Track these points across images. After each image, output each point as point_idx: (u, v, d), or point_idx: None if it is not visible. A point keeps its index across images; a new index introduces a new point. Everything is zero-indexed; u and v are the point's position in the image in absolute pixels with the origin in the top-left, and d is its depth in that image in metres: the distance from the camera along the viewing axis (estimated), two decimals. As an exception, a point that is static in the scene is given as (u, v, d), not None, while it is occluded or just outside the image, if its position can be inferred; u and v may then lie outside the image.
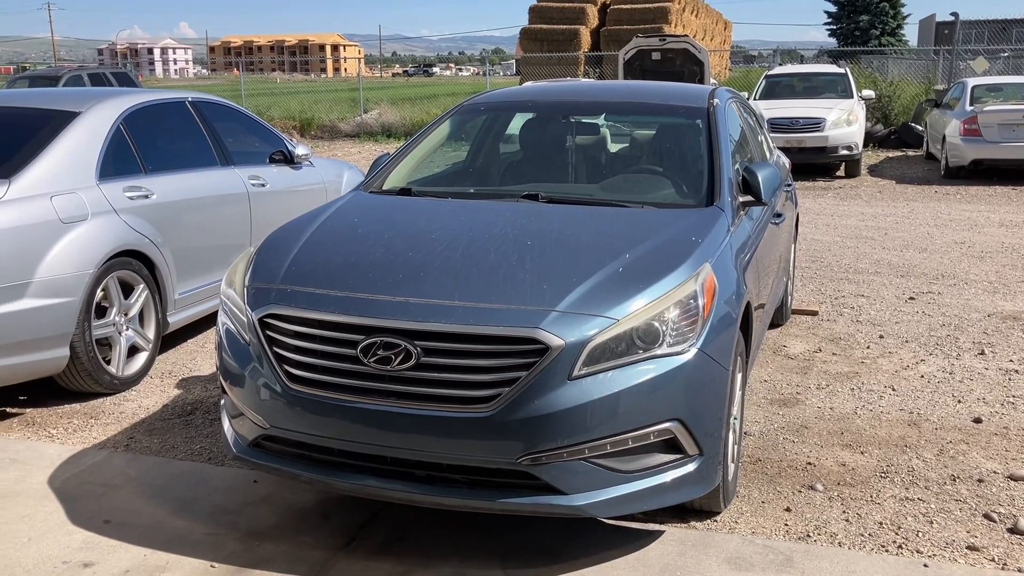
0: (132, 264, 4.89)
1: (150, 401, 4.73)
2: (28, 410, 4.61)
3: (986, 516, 3.43)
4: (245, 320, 3.18)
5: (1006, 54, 21.86)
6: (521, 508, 2.88)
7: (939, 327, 5.95)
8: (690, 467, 3.01)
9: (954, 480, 3.73)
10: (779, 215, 4.79)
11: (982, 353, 5.40)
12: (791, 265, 6.03)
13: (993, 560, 3.13)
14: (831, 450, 4.03)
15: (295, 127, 22.60)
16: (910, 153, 16.98)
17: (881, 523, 3.38)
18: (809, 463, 3.90)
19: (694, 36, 29.48)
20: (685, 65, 16.54)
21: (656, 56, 16.74)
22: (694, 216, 3.65)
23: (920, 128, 16.99)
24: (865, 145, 15.27)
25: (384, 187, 4.29)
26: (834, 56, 29.32)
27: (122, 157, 5.10)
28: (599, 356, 2.85)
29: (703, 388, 3.01)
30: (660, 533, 3.28)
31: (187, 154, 5.74)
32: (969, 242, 8.88)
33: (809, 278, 7.41)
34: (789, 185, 5.82)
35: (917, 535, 3.29)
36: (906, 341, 5.66)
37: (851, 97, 14.75)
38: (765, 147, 5.52)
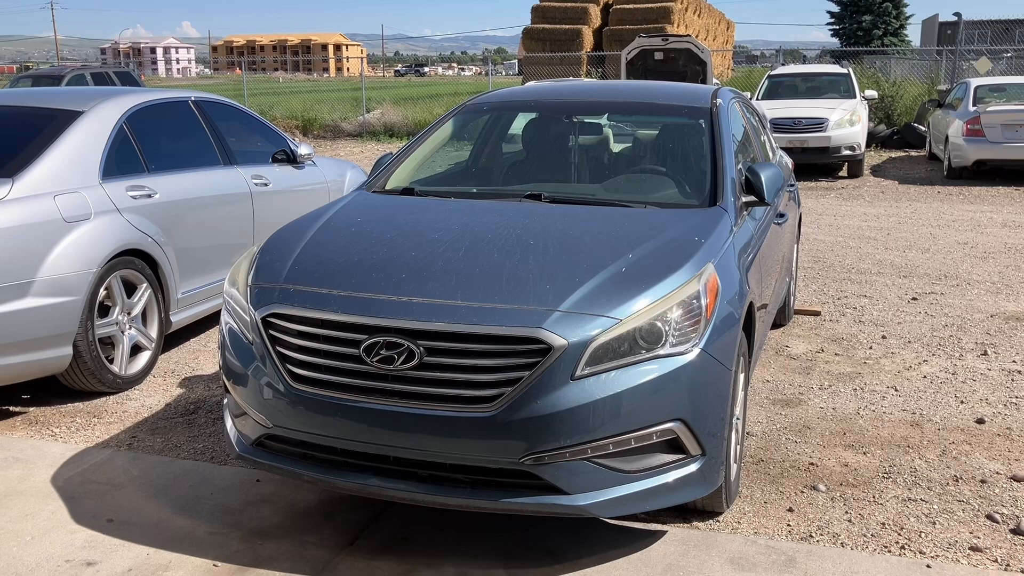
0: (135, 263, 4.90)
1: (153, 400, 4.74)
2: (31, 409, 4.62)
3: (989, 517, 3.43)
4: (248, 319, 3.18)
5: (1009, 54, 21.84)
6: (524, 508, 2.89)
7: (942, 328, 5.95)
8: (692, 467, 3.01)
9: (957, 481, 3.73)
10: (782, 215, 4.79)
11: (985, 354, 5.40)
12: (794, 265, 6.03)
13: (996, 561, 3.13)
14: (833, 450, 4.03)
15: (298, 127, 22.61)
16: (913, 153, 16.97)
17: (884, 524, 3.38)
18: (811, 463, 3.90)
19: (697, 36, 29.48)
20: (688, 65, 16.54)
21: (659, 56, 16.74)
22: (697, 216, 3.65)
23: (923, 128, 16.98)
24: (868, 145, 15.27)
25: (387, 187, 4.30)
26: (837, 56, 29.30)
27: (125, 156, 5.11)
28: (602, 356, 2.85)
29: (706, 388, 3.01)
30: (663, 533, 3.28)
31: (190, 153, 5.75)
32: (972, 243, 8.87)
33: (812, 278, 7.41)
34: (792, 185, 5.82)
35: (920, 536, 3.29)
36: (909, 342, 5.66)
37: (854, 97, 14.74)
38: (768, 147, 5.51)
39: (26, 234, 4.31)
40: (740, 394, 3.45)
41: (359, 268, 3.23)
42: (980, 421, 4.36)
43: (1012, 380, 4.95)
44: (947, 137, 13.63)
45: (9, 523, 3.41)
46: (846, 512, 3.47)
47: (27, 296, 4.28)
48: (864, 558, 3.14)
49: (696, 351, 2.96)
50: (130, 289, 4.92)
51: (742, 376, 3.46)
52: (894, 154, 16.99)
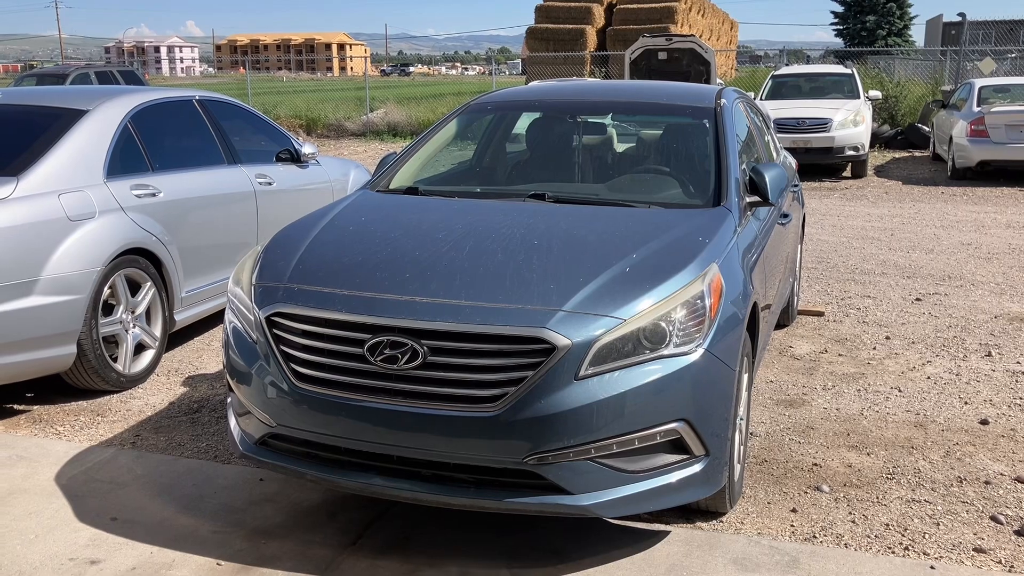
0: (139, 262, 4.91)
1: (157, 399, 4.74)
2: (35, 407, 4.63)
3: (993, 518, 3.42)
4: (252, 318, 3.19)
5: (1014, 55, 21.81)
6: (527, 508, 2.89)
7: (946, 328, 5.94)
8: (696, 468, 3.01)
9: (961, 482, 3.72)
10: (786, 215, 4.79)
11: (989, 355, 5.39)
12: (797, 266, 6.03)
13: (1000, 562, 3.13)
14: (837, 451, 4.03)
15: (301, 126, 22.63)
16: (916, 154, 16.95)
17: (887, 524, 3.38)
18: (815, 464, 3.89)
19: (700, 36, 29.45)
20: (691, 65, 16.52)
21: (662, 56, 16.73)
22: (701, 216, 3.65)
23: (927, 129, 16.96)
24: (871, 146, 15.25)
25: (391, 186, 4.30)
26: (841, 56, 29.26)
27: (129, 155, 5.12)
28: (606, 356, 2.85)
29: (709, 389, 3.01)
30: (666, 533, 3.28)
31: (194, 152, 5.75)
32: (976, 243, 8.86)
33: (815, 279, 7.40)
34: (796, 186, 5.81)
35: (924, 537, 3.29)
36: (912, 342, 5.65)
37: (858, 98, 14.73)
38: (772, 147, 5.51)
39: (31, 232, 4.32)
40: (744, 394, 3.45)
41: (363, 267, 3.23)
42: (984, 422, 4.35)
43: (1016, 381, 4.94)
44: (951, 138, 13.61)
45: (13, 521, 3.41)
46: (850, 513, 3.46)
47: (31, 294, 4.29)
48: (868, 559, 3.14)
49: (700, 351, 2.96)
50: (134, 288, 4.93)
51: (746, 376, 3.45)
52: (898, 155, 16.97)
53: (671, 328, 2.93)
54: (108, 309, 4.75)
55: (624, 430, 2.85)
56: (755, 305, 3.49)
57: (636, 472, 2.91)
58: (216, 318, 5.82)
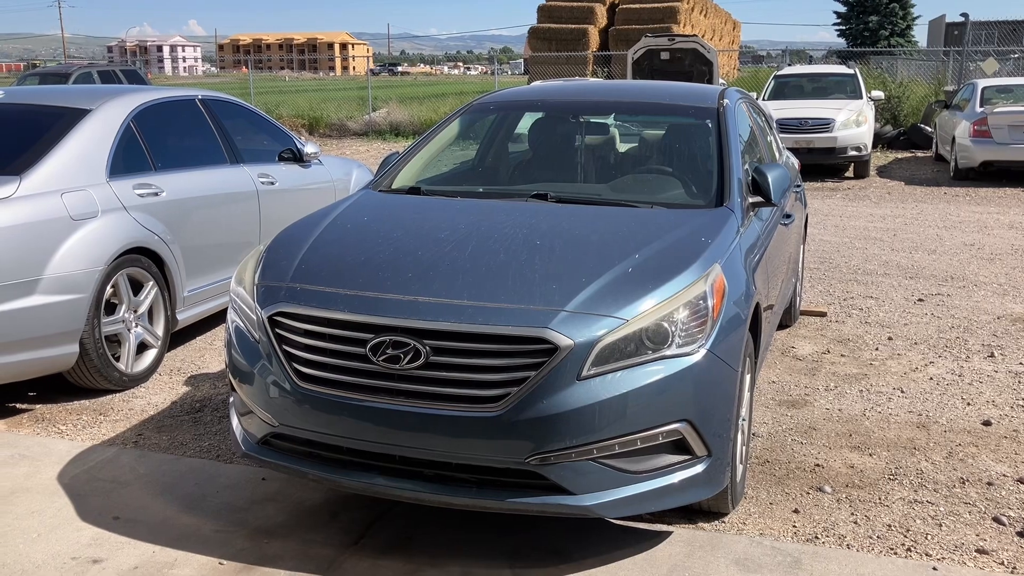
0: (142, 261, 4.91)
1: (159, 398, 4.75)
2: (38, 406, 4.63)
3: (996, 519, 3.42)
4: (255, 318, 3.19)
5: (1016, 55, 21.78)
6: (529, 508, 2.89)
7: (948, 329, 5.94)
8: (698, 468, 3.01)
9: (963, 483, 3.72)
10: (788, 216, 4.78)
11: (991, 356, 5.38)
12: (800, 266, 6.02)
13: (1003, 564, 3.12)
14: (839, 452, 4.02)
15: (304, 125, 22.64)
16: (919, 154, 16.94)
17: (890, 525, 3.37)
18: (817, 465, 3.89)
19: (703, 36, 29.43)
20: (694, 65, 16.50)
21: (665, 56, 16.71)
22: (704, 216, 3.65)
23: (929, 129, 16.95)
24: (874, 146, 15.23)
25: (393, 186, 4.30)
26: (843, 57, 29.22)
27: (132, 154, 5.12)
28: (608, 356, 2.85)
29: (712, 389, 3.01)
30: (668, 534, 3.28)
31: (197, 152, 5.76)
32: (978, 244, 8.85)
33: (818, 279, 7.39)
34: (798, 186, 5.81)
35: (926, 538, 3.28)
36: (915, 343, 5.64)
37: (860, 98, 14.71)
38: (774, 148, 5.50)
39: (33, 232, 4.32)
40: (746, 395, 3.44)
41: (365, 267, 3.23)
42: (987, 423, 4.35)
43: (1019, 382, 4.93)
44: (954, 138, 13.60)
45: (16, 520, 3.42)
46: (852, 514, 3.46)
47: (34, 293, 4.29)
48: (870, 560, 3.13)
49: (702, 352, 2.95)
50: (136, 287, 4.93)
51: (748, 377, 3.45)
52: (900, 155, 16.95)
53: (673, 328, 2.93)
54: (110, 308, 4.75)
55: (626, 430, 2.85)
56: (757, 305, 3.49)
57: (638, 472, 2.91)
58: (218, 317, 5.83)
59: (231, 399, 3.44)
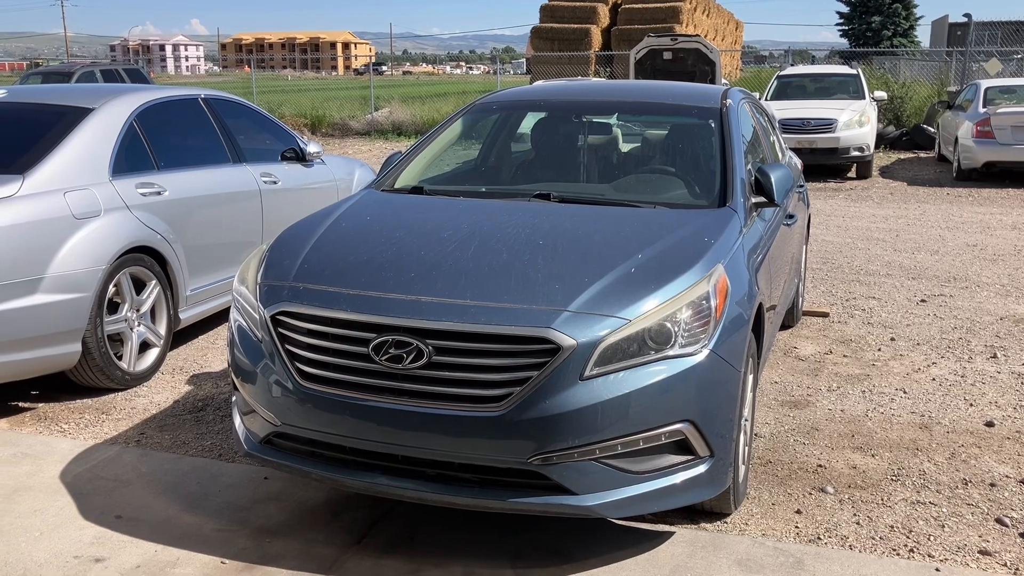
0: (144, 260, 4.91)
1: (161, 397, 4.75)
2: (40, 405, 4.63)
3: (998, 521, 3.41)
4: (257, 317, 3.19)
5: (1020, 56, 21.73)
6: (532, 508, 2.88)
7: (951, 330, 5.93)
8: (701, 468, 3.01)
9: (966, 484, 3.72)
10: (791, 216, 4.78)
11: (994, 356, 5.37)
12: (802, 266, 6.02)
13: (1005, 565, 3.12)
14: (842, 452, 4.02)
15: (306, 125, 22.65)
16: (922, 155, 16.92)
17: (892, 526, 3.37)
18: (820, 465, 3.89)
19: (705, 36, 29.41)
20: (697, 65, 16.50)
21: (667, 56, 16.70)
22: (706, 217, 3.65)
23: (932, 130, 16.92)
24: (877, 146, 15.23)
25: (396, 185, 4.30)
26: (846, 57, 29.20)
27: (135, 153, 5.12)
28: (611, 356, 2.85)
29: (714, 389, 3.01)
30: (670, 534, 3.28)
31: (199, 151, 5.76)
32: (981, 245, 8.84)
33: (820, 280, 7.39)
34: (801, 186, 5.80)
35: (928, 539, 3.28)
36: (917, 344, 5.64)
37: (863, 98, 14.70)
38: (777, 148, 5.50)
39: (36, 230, 4.33)
40: (749, 395, 3.44)
41: (368, 267, 3.23)
42: (989, 424, 4.34)
43: (1022, 383, 4.92)
44: (956, 139, 13.59)
45: (18, 519, 3.42)
46: (854, 514, 3.46)
47: (37, 292, 4.29)
48: (872, 561, 3.13)
49: (705, 352, 2.95)
50: (139, 286, 4.94)
51: (751, 377, 3.45)
52: (903, 155, 16.94)
53: (676, 329, 2.93)
54: (113, 307, 4.75)
55: (629, 431, 2.85)
56: (760, 306, 3.49)
57: (641, 473, 2.91)
58: (221, 316, 5.83)
59: (233, 398, 3.44)
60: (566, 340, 2.81)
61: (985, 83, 14.56)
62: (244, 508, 3.50)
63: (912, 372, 5.11)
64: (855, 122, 13.61)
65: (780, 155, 5.47)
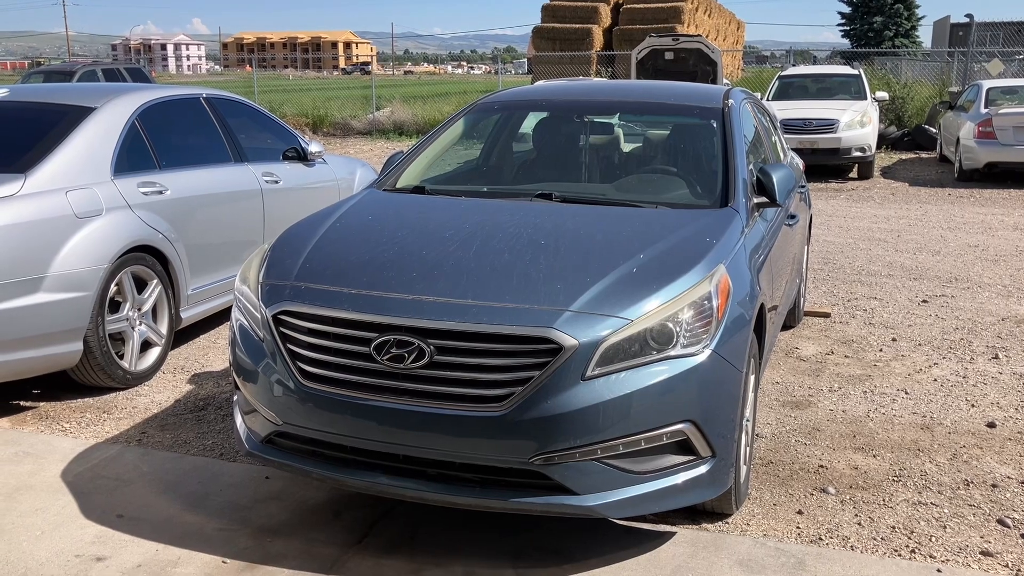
0: (146, 259, 4.91)
1: (162, 396, 4.75)
2: (41, 404, 4.63)
3: (1000, 522, 3.41)
4: (259, 317, 3.19)
5: (1021, 56, 21.72)
6: (533, 508, 2.88)
7: (952, 331, 5.92)
8: (702, 469, 3.01)
9: (967, 485, 3.71)
10: (793, 216, 4.78)
11: (996, 357, 5.37)
12: (804, 267, 6.01)
13: (1007, 566, 3.11)
14: (843, 453, 4.02)
15: (308, 124, 22.66)
16: (923, 155, 16.91)
17: (894, 527, 3.37)
18: (821, 466, 3.88)
19: (707, 36, 29.40)
20: (698, 65, 16.50)
21: (669, 56, 16.70)
22: (708, 217, 3.64)
23: (934, 130, 16.92)
24: (878, 147, 15.22)
25: (397, 185, 4.30)
26: (848, 57, 29.18)
27: (137, 153, 5.12)
28: (612, 356, 2.84)
29: (716, 390, 3.01)
30: (672, 534, 3.28)
31: (201, 150, 5.76)
32: (983, 245, 8.83)
33: (822, 280, 7.38)
34: (803, 187, 5.80)
35: (930, 540, 3.28)
36: (919, 344, 5.63)
37: (865, 99, 14.69)
38: (779, 148, 5.50)
39: (38, 230, 4.33)
40: (750, 396, 3.44)
41: (370, 266, 3.23)
42: (991, 425, 4.34)
43: (1023, 384, 4.92)
44: (958, 139, 13.58)
45: (20, 517, 3.42)
46: (856, 515, 3.46)
47: (38, 291, 4.29)
48: (874, 561, 3.13)
49: (707, 352, 2.95)
50: (141, 285, 4.94)
51: (752, 378, 3.45)
52: (905, 156, 16.93)
53: (678, 329, 2.93)
54: (114, 306, 4.75)
55: (630, 431, 2.85)
56: (762, 306, 3.49)
57: (642, 473, 2.90)
58: (222, 316, 5.83)
59: (235, 397, 3.44)
60: (568, 340, 2.81)
61: (987, 84, 14.56)
62: (245, 507, 3.50)
63: (914, 373, 5.11)
64: (857, 122, 13.60)
65: (782, 155, 5.46)
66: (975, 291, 6.99)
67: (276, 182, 6.18)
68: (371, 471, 2.99)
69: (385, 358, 2.89)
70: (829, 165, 13.94)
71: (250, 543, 3.24)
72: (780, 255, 4.26)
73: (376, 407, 2.90)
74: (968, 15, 22.00)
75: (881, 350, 5.53)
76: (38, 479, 3.75)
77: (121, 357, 4.79)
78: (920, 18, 47.44)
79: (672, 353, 2.90)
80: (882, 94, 15.97)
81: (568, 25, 30.62)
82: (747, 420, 3.40)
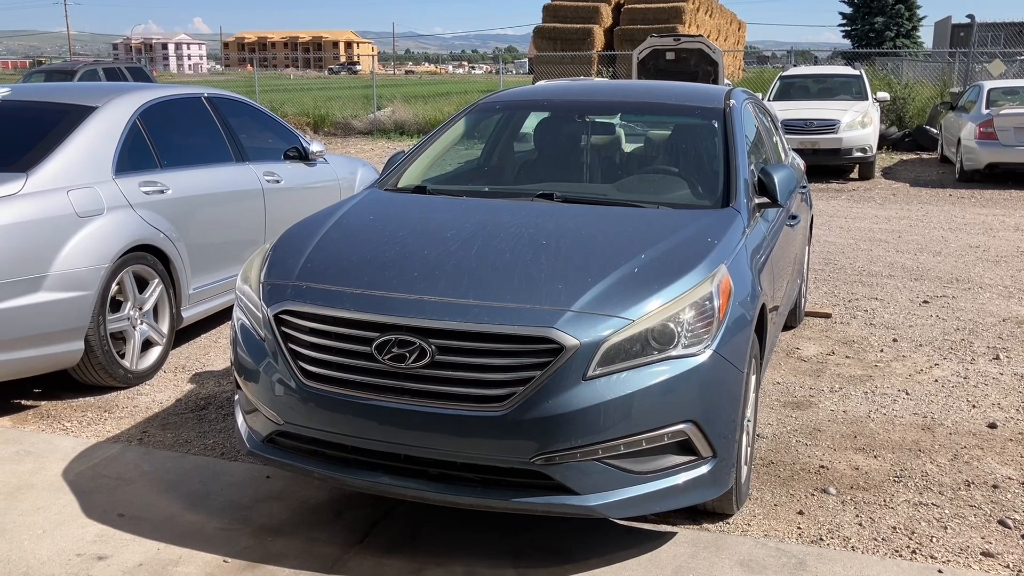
0: (147, 259, 4.91)
1: (163, 395, 4.75)
2: (43, 403, 4.64)
3: (1001, 523, 3.41)
4: (260, 316, 3.19)
5: (1023, 57, 21.71)
6: (534, 508, 2.88)
7: (953, 331, 5.92)
8: (703, 469, 3.01)
9: (968, 486, 3.71)
10: (794, 217, 4.78)
11: (997, 358, 5.37)
12: (805, 267, 6.01)
13: (1008, 567, 3.11)
14: (844, 453, 4.02)
15: (309, 124, 22.66)
16: (924, 156, 16.91)
17: (895, 528, 3.37)
18: (822, 466, 3.88)
19: (708, 36, 29.41)
20: (699, 65, 16.51)
21: (670, 56, 16.72)
22: (710, 217, 3.64)
23: (935, 131, 16.91)
24: (879, 147, 15.21)
25: (399, 185, 4.30)
26: (849, 58, 29.17)
27: (138, 152, 5.12)
28: (614, 356, 2.84)
29: (717, 390, 3.01)
30: (672, 534, 3.28)
31: (202, 150, 5.76)
32: (984, 246, 8.83)
33: (823, 280, 7.38)
34: (804, 187, 5.80)
35: (931, 540, 3.28)
36: (920, 345, 5.63)
37: (866, 99, 14.69)
38: (780, 148, 5.50)
39: (39, 229, 4.33)
40: (751, 396, 3.44)
41: (371, 266, 3.23)
42: (992, 426, 4.34)
43: (1024, 385, 4.92)
44: (959, 140, 13.57)
45: (21, 516, 3.42)
46: (857, 515, 3.46)
47: (40, 290, 4.29)
48: (875, 562, 3.13)
49: (708, 352, 2.95)
50: (142, 284, 4.94)
51: (753, 378, 3.45)
52: (906, 156, 16.93)
53: (679, 329, 2.93)
54: (116, 305, 4.76)
55: (632, 431, 2.85)
56: (763, 306, 3.49)
57: (643, 473, 2.91)
58: (223, 315, 5.83)
59: (236, 397, 3.44)
60: (569, 340, 2.81)
61: (988, 84, 14.55)
62: (246, 507, 3.51)
63: (914, 373, 5.11)
64: (858, 123, 13.60)
65: (783, 156, 5.47)
66: (976, 292, 6.99)
67: (277, 182, 6.18)
68: (372, 471, 3.00)
69: (387, 358, 2.89)
70: (830, 166, 13.94)
71: (251, 542, 3.24)
72: (781, 255, 4.26)
73: (377, 407, 2.90)
74: (969, 16, 22.00)
75: (882, 351, 5.53)
76: (39, 478, 3.75)
77: (122, 356, 4.79)
78: (921, 19, 47.43)
79: (673, 353, 2.90)
80: (883, 95, 15.97)
81: (569, 25, 30.63)
82: (748, 420, 3.40)
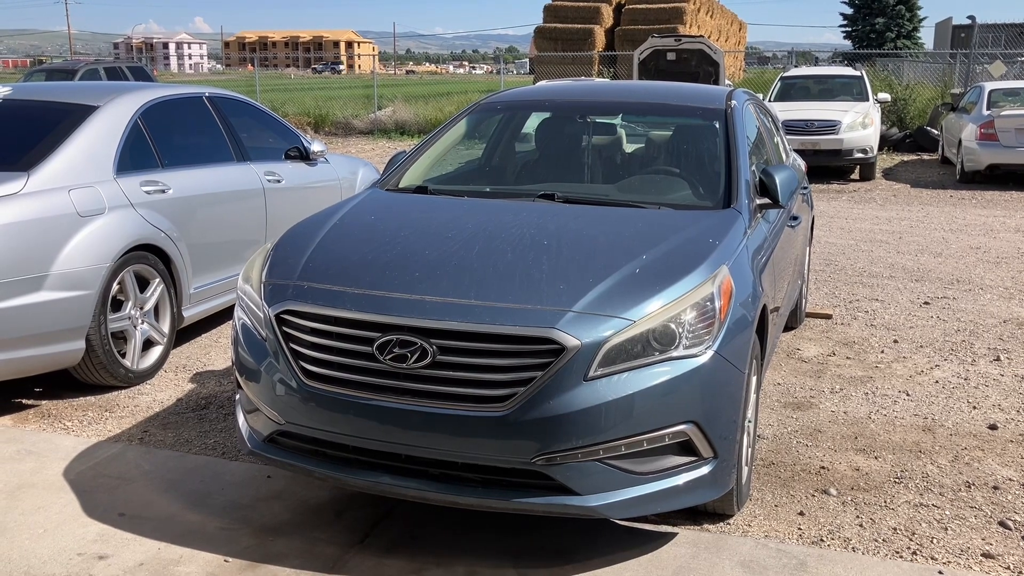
0: (148, 258, 4.92)
1: (164, 395, 4.75)
2: (44, 402, 4.64)
3: (1001, 524, 3.41)
4: (262, 316, 3.19)
5: None
6: (535, 508, 2.89)
7: (954, 332, 5.92)
8: (704, 470, 3.01)
9: (969, 487, 3.71)
10: (795, 218, 4.78)
11: (997, 359, 5.37)
12: (806, 268, 6.01)
13: (1009, 568, 3.11)
14: (845, 454, 4.02)
15: (309, 123, 22.66)
16: (925, 157, 16.91)
17: (895, 529, 3.37)
18: (823, 467, 3.88)
19: (709, 37, 29.41)
20: (700, 66, 16.51)
21: (671, 56, 16.72)
22: (711, 218, 3.64)
23: (936, 132, 16.92)
24: (880, 148, 15.21)
25: (400, 185, 4.30)
26: (850, 58, 29.17)
27: (139, 151, 5.12)
28: (615, 357, 2.85)
29: (718, 391, 3.01)
30: (673, 535, 3.28)
31: (204, 149, 5.76)
32: (985, 247, 8.83)
33: (823, 281, 7.38)
34: (805, 188, 5.80)
35: (931, 542, 3.28)
36: (921, 346, 5.63)
37: (866, 100, 14.69)
38: (781, 149, 5.50)
39: (41, 228, 4.33)
40: (752, 397, 3.44)
41: (372, 266, 3.23)
42: (993, 427, 4.34)
43: (1025, 386, 4.92)
44: (960, 141, 13.58)
45: (22, 516, 3.42)
46: (857, 516, 3.46)
47: (41, 290, 4.30)
48: (875, 563, 3.13)
49: (709, 353, 2.95)
50: (143, 284, 4.94)
51: (754, 379, 3.45)
52: (906, 157, 16.93)
53: (681, 330, 2.93)
54: (117, 305, 4.76)
55: (633, 431, 2.85)
56: (764, 307, 3.49)
57: (644, 474, 2.91)
58: (224, 314, 5.84)
59: (237, 396, 3.44)
60: (570, 340, 2.81)
61: (989, 85, 14.56)
62: (247, 506, 3.51)
63: (915, 374, 5.11)
64: (859, 124, 13.60)
65: (784, 156, 5.47)
66: (977, 293, 6.99)
67: (278, 181, 6.19)
68: (373, 471, 3.00)
69: (388, 358, 2.89)
70: (831, 166, 13.94)
71: (252, 542, 3.24)
72: (782, 256, 4.26)
73: (378, 407, 2.90)
74: (970, 17, 22.00)
75: (883, 352, 5.53)
76: (40, 477, 3.75)
77: (123, 356, 4.79)
78: (922, 20, 47.42)
79: (674, 354, 2.90)
80: (884, 95, 15.98)
81: (570, 25, 30.64)
82: (749, 421, 3.40)
